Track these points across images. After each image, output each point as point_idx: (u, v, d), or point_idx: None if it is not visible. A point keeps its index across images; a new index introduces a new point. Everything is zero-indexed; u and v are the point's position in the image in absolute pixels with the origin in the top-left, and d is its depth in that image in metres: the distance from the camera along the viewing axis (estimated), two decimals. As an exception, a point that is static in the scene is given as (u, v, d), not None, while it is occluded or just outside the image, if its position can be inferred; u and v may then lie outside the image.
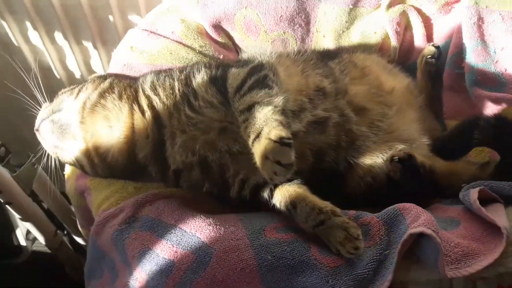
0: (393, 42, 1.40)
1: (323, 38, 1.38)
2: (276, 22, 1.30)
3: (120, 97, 1.05)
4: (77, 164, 1.08)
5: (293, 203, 0.92)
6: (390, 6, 1.35)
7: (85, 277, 1.13)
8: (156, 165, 1.03)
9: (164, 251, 0.87)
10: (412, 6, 1.40)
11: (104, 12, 1.55)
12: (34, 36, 1.66)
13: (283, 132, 0.80)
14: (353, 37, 1.40)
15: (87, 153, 1.04)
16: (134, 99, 1.05)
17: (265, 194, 0.98)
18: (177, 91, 1.00)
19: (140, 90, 1.06)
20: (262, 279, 0.83)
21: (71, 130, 1.03)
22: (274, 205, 0.97)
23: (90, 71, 1.83)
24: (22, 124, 1.94)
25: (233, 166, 0.99)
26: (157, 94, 1.02)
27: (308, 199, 0.91)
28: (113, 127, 1.03)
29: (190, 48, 1.26)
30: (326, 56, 1.23)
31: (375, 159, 1.08)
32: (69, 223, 1.78)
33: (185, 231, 0.89)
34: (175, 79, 1.03)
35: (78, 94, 1.08)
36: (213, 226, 0.89)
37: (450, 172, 1.13)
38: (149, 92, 1.04)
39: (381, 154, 1.08)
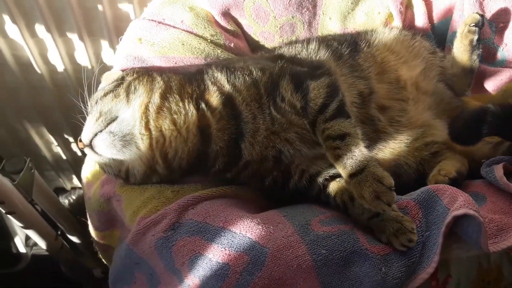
0: (397, 21, 1.41)
1: (330, 21, 1.37)
2: (285, 7, 1.26)
3: (181, 97, 0.99)
4: (122, 173, 1.01)
5: (352, 196, 0.95)
6: (393, -15, 1.35)
7: (110, 281, 1.09)
8: (226, 157, 1.01)
9: (216, 255, 0.84)
10: (413, -15, 1.40)
11: (93, 2, 1.43)
12: (12, 30, 1.52)
13: (391, 180, 0.88)
14: (358, 19, 1.39)
15: (150, 162, 0.98)
16: (199, 97, 1.00)
17: (320, 181, 1.04)
18: (262, 91, 1.00)
19: (210, 87, 1.01)
20: (318, 273, 0.83)
21: (135, 139, 0.95)
22: (321, 196, 1.01)
23: (74, 63, 1.71)
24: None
25: (299, 159, 1.05)
26: (239, 91, 0.99)
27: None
28: (182, 130, 0.98)
29: (202, 38, 1.20)
30: (353, 50, 1.23)
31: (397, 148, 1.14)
32: (63, 222, 1.71)
33: (235, 233, 0.88)
34: (258, 80, 1.01)
35: (128, 97, 0.98)
36: (262, 225, 0.88)
37: (466, 153, 1.18)
38: (229, 88, 1.00)
39: (399, 144, 1.15)
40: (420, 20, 1.45)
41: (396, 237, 0.87)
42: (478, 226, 0.86)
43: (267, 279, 0.81)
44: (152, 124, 0.97)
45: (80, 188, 2.24)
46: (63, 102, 1.84)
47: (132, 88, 0.99)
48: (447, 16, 1.46)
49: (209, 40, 1.21)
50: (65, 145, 2.06)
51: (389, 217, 0.89)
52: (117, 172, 1.00)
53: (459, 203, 0.90)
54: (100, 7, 1.44)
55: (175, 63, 1.16)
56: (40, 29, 1.54)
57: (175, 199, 0.96)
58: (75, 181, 2.29)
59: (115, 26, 1.51)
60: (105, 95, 0.99)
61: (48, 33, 1.53)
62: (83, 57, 1.68)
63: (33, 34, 1.56)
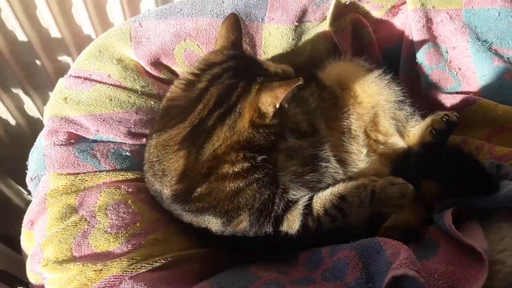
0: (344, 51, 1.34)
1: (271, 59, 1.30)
2: (220, 49, 1.20)
3: None
4: None
5: (341, 197, 0.97)
6: (336, 18, 1.29)
7: None
8: None
9: None
10: (359, 15, 1.34)
11: (29, 57, 1.38)
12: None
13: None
14: (302, 54, 1.33)
15: None
16: None
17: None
18: None
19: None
20: None
21: None
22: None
23: (26, 116, 1.67)
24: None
25: None
26: None
27: (348, 185, 0.99)
28: None
29: (132, 91, 1.14)
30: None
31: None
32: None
33: None
34: None
35: None
36: None
37: (422, 197, 1.10)
38: None
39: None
40: (372, 47, 1.38)
41: (404, 196, 0.95)
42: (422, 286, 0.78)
43: None
44: None
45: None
46: (22, 155, 1.80)
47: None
48: (399, 40, 1.39)
49: (139, 92, 1.15)
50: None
51: (382, 186, 0.96)
52: None
53: (400, 260, 0.82)
54: (38, 62, 1.40)
55: (103, 120, 1.10)
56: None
57: (98, 279, 0.88)
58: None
59: (58, 78, 1.46)
60: None
61: (-8, 90, 1.49)
62: (33, 110, 1.63)
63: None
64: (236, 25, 1.07)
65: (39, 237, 1.00)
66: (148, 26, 1.17)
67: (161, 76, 1.20)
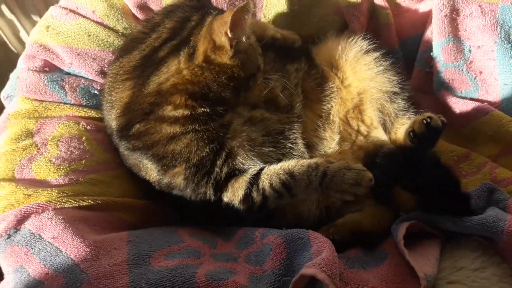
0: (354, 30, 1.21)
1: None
2: (214, 4, 1.13)
3: None
4: None
5: (289, 173, 0.90)
6: (350, -9, 1.16)
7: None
8: None
9: (35, 271, 0.78)
10: (378, -8, 1.20)
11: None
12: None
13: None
14: (309, 25, 1.22)
15: None
16: None
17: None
18: None
19: None
20: None
21: None
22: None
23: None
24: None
25: None
26: None
27: (300, 162, 0.92)
28: None
29: (112, 30, 1.12)
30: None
31: None
32: None
33: (60, 251, 0.80)
34: None
35: None
36: (90, 248, 0.80)
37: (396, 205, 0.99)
38: None
39: None
40: (386, 32, 1.23)
41: (359, 184, 0.88)
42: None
43: (78, 306, 0.73)
44: None
45: None
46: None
47: None
48: (419, 31, 1.23)
49: (120, 33, 1.12)
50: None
51: (336, 169, 0.90)
52: None
53: (315, 260, 0.74)
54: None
55: (78, 54, 1.08)
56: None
57: (25, 203, 0.88)
58: None
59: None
60: None
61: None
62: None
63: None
64: None
65: (-7, 154, 1.03)
66: (142, -34, 1.12)
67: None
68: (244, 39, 0.88)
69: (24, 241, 0.83)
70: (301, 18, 1.21)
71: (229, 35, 0.84)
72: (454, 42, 1.13)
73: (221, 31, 0.84)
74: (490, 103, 1.13)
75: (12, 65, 1.73)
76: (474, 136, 1.14)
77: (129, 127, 0.92)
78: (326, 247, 0.77)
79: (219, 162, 0.90)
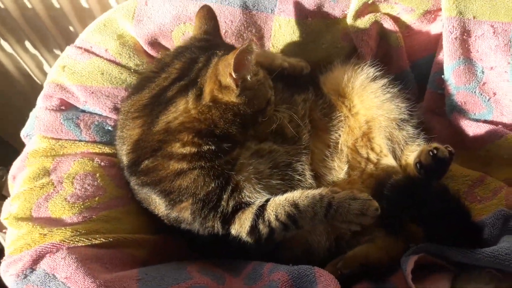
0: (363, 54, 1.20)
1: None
2: (223, 36, 1.15)
3: None
4: None
5: (294, 204, 0.90)
6: (358, 16, 1.16)
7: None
8: None
9: None
10: (387, 14, 1.19)
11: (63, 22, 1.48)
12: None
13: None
14: (317, 52, 1.22)
15: None
16: None
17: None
18: None
19: None
20: None
21: None
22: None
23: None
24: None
25: None
26: None
27: (304, 193, 0.91)
28: None
29: (124, 67, 1.15)
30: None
31: None
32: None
33: None
34: None
35: None
36: None
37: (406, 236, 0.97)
38: None
39: None
40: (397, 54, 1.22)
41: (364, 214, 0.86)
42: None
43: None
44: None
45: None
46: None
47: None
48: (431, 52, 1.21)
49: (132, 70, 1.15)
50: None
51: (341, 199, 0.88)
52: None
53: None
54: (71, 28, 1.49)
55: (92, 92, 1.13)
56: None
57: (40, 243, 0.92)
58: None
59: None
60: None
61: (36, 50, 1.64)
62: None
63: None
64: (209, 15, 1.03)
65: (13, 192, 1.07)
66: (153, 5, 1.16)
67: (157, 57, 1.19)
68: (249, 77, 0.89)
69: (39, 281, 0.86)
70: (309, 45, 1.22)
71: (234, 75, 0.86)
72: (465, 64, 1.10)
73: (225, 72, 0.86)
74: (505, 125, 1.09)
75: (36, 95, 1.84)
76: (489, 160, 1.10)
77: (138, 163, 0.95)
78: (332, 285, 0.76)
79: (225, 196, 0.91)
